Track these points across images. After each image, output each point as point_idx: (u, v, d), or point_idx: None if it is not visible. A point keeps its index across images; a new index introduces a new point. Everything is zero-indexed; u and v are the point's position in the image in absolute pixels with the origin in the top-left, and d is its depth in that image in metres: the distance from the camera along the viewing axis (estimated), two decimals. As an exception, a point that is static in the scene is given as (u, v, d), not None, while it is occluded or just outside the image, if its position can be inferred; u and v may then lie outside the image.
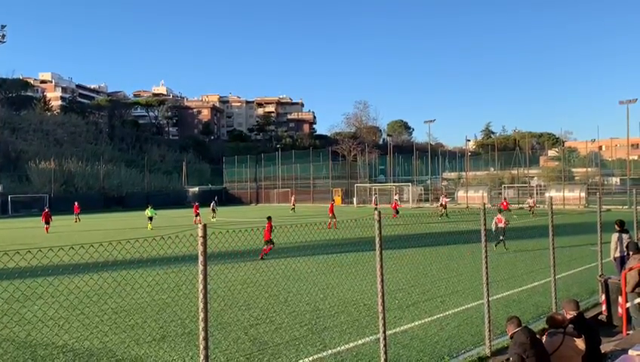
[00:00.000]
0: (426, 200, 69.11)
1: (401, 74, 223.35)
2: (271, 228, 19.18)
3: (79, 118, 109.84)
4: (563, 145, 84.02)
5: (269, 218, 19.84)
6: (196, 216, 38.30)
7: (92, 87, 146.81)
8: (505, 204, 39.19)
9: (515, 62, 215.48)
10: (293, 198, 62.62)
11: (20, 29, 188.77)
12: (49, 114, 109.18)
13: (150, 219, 34.22)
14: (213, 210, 43.10)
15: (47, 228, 32.67)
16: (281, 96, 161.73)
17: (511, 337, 5.58)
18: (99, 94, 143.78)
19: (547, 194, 57.21)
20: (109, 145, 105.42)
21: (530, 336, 5.32)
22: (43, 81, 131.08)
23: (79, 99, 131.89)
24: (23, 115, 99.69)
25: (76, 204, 47.95)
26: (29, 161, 79.69)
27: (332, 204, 36.05)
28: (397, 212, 38.47)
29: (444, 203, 40.47)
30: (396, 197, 56.85)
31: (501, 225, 20.36)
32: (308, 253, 18.23)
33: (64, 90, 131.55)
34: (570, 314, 6.29)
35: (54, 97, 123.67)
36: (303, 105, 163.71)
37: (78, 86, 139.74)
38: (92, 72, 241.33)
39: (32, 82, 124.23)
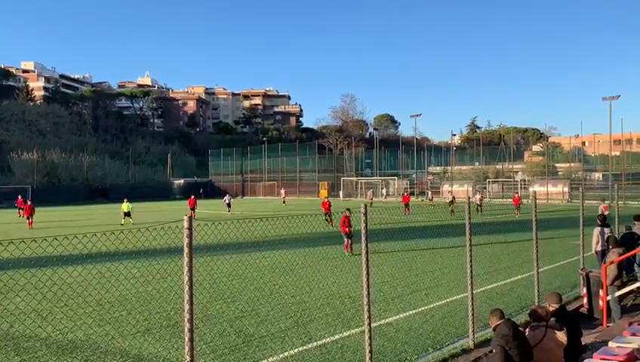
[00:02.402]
0: (412, 193, 69.48)
1: (388, 68, 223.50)
2: (348, 221, 18.11)
3: (63, 108, 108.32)
4: (547, 141, 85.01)
5: (348, 210, 18.96)
6: (192, 210, 35.70)
7: (76, 77, 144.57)
8: (406, 197, 39.70)
9: (501, 57, 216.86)
10: (283, 192, 62.64)
11: (0, 18, 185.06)
12: (31, 104, 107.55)
13: (127, 214, 31.54)
14: (229, 205, 40.64)
15: (30, 223, 30.07)
16: (267, 89, 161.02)
17: (494, 329, 5.65)
18: (83, 85, 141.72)
19: (531, 189, 57.88)
20: (93, 137, 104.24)
21: (513, 329, 5.40)
22: (25, 71, 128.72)
23: (63, 90, 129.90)
24: (5, 105, 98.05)
25: (20, 197, 43.85)
26: (11, 152, 78.48)
27: (325, 202, 32.66)
28: (407, 206, 35.80)
29: (431, 196, 40.94)
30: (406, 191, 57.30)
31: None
32: (293, 245, 18.25)
33: (47, 80, 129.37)
34: (552, 307, 6.39)
35: (37, 87, 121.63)
36: (289, 98, 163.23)
37: (62, 76, 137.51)
38: (76, 62, 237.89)
39: (13, 71, 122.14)
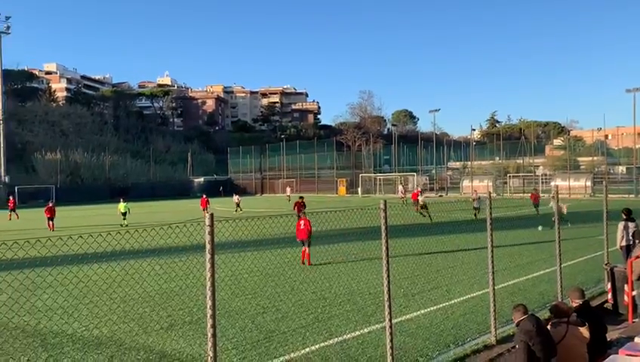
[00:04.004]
0: (431, 189, 69.07)
1: (406, 63, 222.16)
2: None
3: (84, 109, 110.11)
4: (568, 134, 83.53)
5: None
6: (204, 210, 35.17)
7: (97, 77, 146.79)
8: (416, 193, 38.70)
9: (520, 51, 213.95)
10: (289, 189, 62.65)
11: (24, 20, 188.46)
12: (54, 105, 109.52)
13: (124, 215, 30.24)
14: (238, 204, 40.07)
15: (50, 226, 28.90)
16: (285, 87, 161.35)
17: (517, 325, 5.60)
18: (104, 85, 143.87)
19: (552, 183, 57.11)
20: (115, 136, 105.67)
21: (537, 324, 5.34)
22: (48, 72, 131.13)
23: (84, 90, 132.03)
24: (29, 106, 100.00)
25: (11, 198, 42.36)
26: (35, 153, 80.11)
27: (416, 193, 33.81)
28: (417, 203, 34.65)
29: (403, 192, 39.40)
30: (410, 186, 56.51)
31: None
32: (313, 242, 18.30)
33: (69, 81, 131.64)
34: (575, 303, 6.32)
35: (59, 88, 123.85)
36: (307, 95, 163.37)
37: (83, 77, 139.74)
38: (97, 63, 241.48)
39: (37, 73, 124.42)
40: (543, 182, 61.71)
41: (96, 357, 7.57)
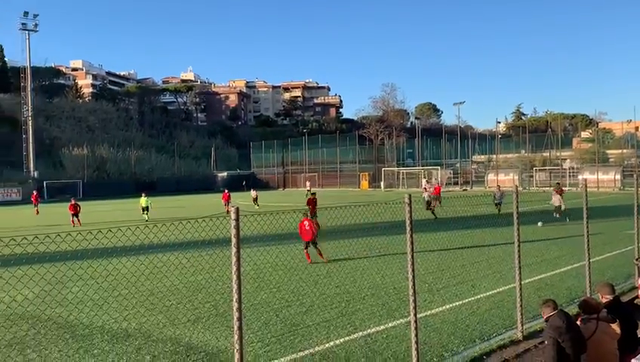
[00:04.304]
0: (456, 183, 68.38)
1: (430, 55, 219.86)
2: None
3: (110, 104, 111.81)
4: (597, 127, 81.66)
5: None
6: (226, 204, 34.35)
7: (122, 74, 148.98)
8: (437, 188, 37.44)
9: (547, 41, 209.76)
10: (309, 184, 62.50)
11: (50, 17, 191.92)
12: (81, 101, 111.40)
13: (145, 209, 30.17)
14: (255, 199, 38.87)
15: (74, 221, 28.50)
16: (307, 81, 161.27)
17: (546, 320, 5.51)
18: (129, 81, 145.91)
19: (580, 177, 55.96)
20: (140, 132, 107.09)
21: (567, 320, 5.24)
22: (74, 69, 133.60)
23: (110, 86, 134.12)
24: (56, 102, 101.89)
25: (35, 193, 43.36)
26: (63, 148, 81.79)
27: (438, 187, 34.60)
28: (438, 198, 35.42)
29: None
30: (433, 180, 55.76)
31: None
32: (336, 236, 18.31)
33: (95, 77, 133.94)
34: (605, 299, 6.19)
35: (85, 85, 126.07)
36: (329, 89, 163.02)
37: (108, 73, 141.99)
38: (121, 60, 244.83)
39: (63, 70, 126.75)
40: (570, 176, 60.51)
41: (124, 349, 7.73)
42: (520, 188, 16.32)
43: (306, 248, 15.10)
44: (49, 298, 10.16)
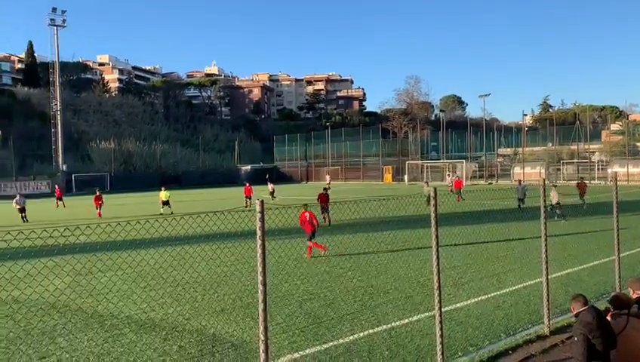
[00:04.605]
0: (481, 176, 67.55)
1: (454, 47, 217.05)
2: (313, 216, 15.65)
3: (136, 98, 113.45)
4: (627, 119, 79.56)
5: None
6: (248, 198, 34.13)
7: (147, 68, 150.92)
8: (458, 182, 36.95)
9: (575, 31, 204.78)
10: (328, 177, 62.06)
11: (77, 13, 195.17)
12: (107, 95, 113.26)
13: (165, 203, 30.20)
14: (272, 193, 38.91)
15: (99, 214, 29.06)
16: (330, 73, 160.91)
17: (576, 316, 5.40)
18: (154, 75, 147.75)
19: (610, 170, 54.71)
20: (165, 126, 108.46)
21: (597, 316, 5.13)
22: (101, 64, 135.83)
23: (135, 81, 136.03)
24: (84, 96, 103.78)
25: (57, 187, 43.46)
26: (90, 142, 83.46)
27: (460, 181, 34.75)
28: (459, 192, 34.40)
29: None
30: (457, 173, 55.02)
31: None
32: (359, 230, 18.30)
33: (121, 71, 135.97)
34: (636, 294, 6.05)
35: (112, 79, 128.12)
36: (352, 81, 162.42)
37: (134, 68, 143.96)
38: (147, 54, 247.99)
39: (90, 65, 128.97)
40: (598, 169, 59.19)
41: (151, 339, 7.87)
42: (547, 182, 16.03)
43: (310, 240, 14.89)
44: (79, 288, 10.42)
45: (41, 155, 75.40)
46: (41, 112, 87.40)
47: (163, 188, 31.25)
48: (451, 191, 36.07)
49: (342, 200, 25.85)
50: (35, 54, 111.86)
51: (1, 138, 73.81)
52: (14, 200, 29.02)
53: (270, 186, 40.20)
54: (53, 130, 73.77)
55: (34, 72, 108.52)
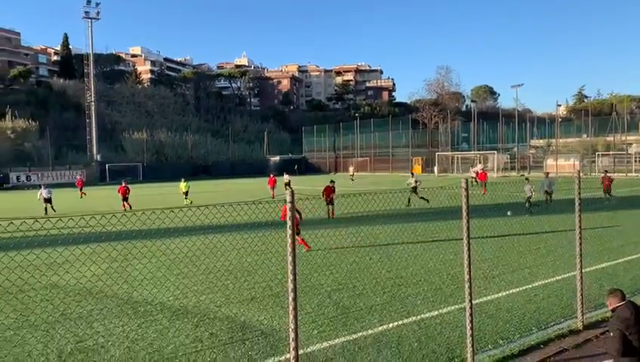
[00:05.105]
0: (512, 168, 66.38)
1: (486, 36, 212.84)
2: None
3: (167, 90, 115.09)
4: (667, 109, 76.87)
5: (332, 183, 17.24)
6: (272, 188, 34.00)
7: (178, 60, 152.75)
8: (483, 174, 35.81)
9: (612, 19, 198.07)
10: (351, 169, 61.39)
11: (109, 5, 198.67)
12: (140, 87, 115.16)
13: (186, 194, 30.31)
14: (288, 184, 37.04)
15: (125, 205, 27.60)
16: (359, 64, 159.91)
17: (612, 311, 5.29)
18: (185, 67, 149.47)
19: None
20: (196, 117, 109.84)
21: (635, 312, 5.01)
22: (133, 55, 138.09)
23: (167, 72, 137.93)
24: (117, 88, 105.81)
25: (79, 178, 44.40)
26: (123, 132, 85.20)
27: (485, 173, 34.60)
28: (484, 185, 33.67)
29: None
30: (482, 166, 53.96)
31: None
32: (388, 221, 18.26)
33: (153, 63, 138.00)
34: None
35: (144, 70, 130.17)
36: (382, 72, 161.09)
37: (166, 59, 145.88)
38: (178, 46, 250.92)
39: (123, 56, 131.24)
40: (636, 161, 57.39)
41: (183, 325, 8.05)
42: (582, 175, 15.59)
43: (298, 234, 14.19)
44: (115, 274, 10.72)
45: (76, 145, 77.40)
46: (76, 103, 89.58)
47: (182, 180, 31.53)
48: (474, 183, 35.62)
49: (354, 192, 25.78)
50: (70, 46, 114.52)
51: (38, 129, 76.04)
52: (39, 192, 28.30)
53: (286, 177, 39.52)
54: (87, 120, 75.59)
55: (69, 63, 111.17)
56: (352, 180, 53.29)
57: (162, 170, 75.16)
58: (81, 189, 39.72)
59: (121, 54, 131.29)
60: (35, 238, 8.27)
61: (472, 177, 38.30)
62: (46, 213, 26.88)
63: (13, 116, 77.69)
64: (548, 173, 28.03)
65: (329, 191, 21.83)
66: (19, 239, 8.25)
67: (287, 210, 5.23)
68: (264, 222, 13.51)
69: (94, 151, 74.65)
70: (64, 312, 8.83)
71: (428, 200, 24.66)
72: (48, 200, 27.64)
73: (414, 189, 25.57)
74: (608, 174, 27.18)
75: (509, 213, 19.77)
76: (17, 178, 63.31)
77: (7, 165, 65.08)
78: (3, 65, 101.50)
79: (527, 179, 23.38)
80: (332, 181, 22.56)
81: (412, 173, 30.34)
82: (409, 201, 25.17)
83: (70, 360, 6.72)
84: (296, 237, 14.05)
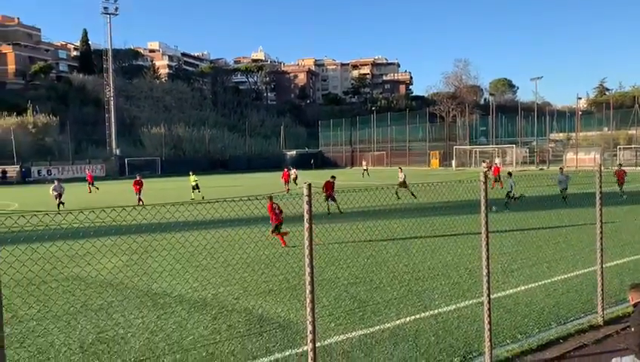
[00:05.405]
0: (531, 162, 65.55)
1: (505, 29, 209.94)
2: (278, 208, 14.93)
3: (185, 84, 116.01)
4: (692, 102, 75.00)
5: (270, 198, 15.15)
6: (286, 183, 33.72)
7: (196, 54, 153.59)
8: (497, 168, 35.29)
9: (635, 10, 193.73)
10: (364, 163, 60.72)
11: (128, 0, 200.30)
12: (157, 81, 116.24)
13: (195, 187, 30.23)
14: (294, 179, 36.84)
15: (138, 200, 27.25)
16: (376, 57, 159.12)
17: (634, 306, 5.22)
18: (202, 62, 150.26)
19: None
20: (213, 111, 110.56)
21: (658, 307, 4.94)
22: (151, 50, 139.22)
23: (184, 67, 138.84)
24: (135, 83, 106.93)
25: (88, 172, 44.95)
26: (142, 127, 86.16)
27: (497, 167, 34.45)
28: (498, 180, 32.89)
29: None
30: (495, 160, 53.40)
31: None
32: (405, 215, 18.21)
33: (170, 58, 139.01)
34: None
35: (162, 65, 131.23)
36: (399, 65, 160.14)
37: (183, 54, 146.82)
38: (195, 40, 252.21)
39: (141, 52, 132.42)
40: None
41: (202, 317, 8.14)
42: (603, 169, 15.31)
43: (274, 231, 14.32)
44: (135, 266, 10.88)
45: (96, 140, 78.48)
46: (95, 98, 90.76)
47: (191, 173, 31.33)
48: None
49: (366, 186, 25.73)
50: (90, 42, 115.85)
51: (58, 123, 77.23)
52: (51, 188, 27.26)
53: (293, 172, 39.02)
54: (107, 115, 76.55)
55: (88, 59, 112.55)
56: (367, 174, 53.00)
57: (180, 164, 75.77)
58: (91, 184, 39.59)
59: (139, 49, 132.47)
60: (56, 231, 8.43)
61: (484, 172, 37.80)
62: (59, 208, 25.64)
63: (34, 111, 79.02)
64: (562, 168, 27.13)
65: (329, 186, 21.54)
66: (41, 231, 8.41)
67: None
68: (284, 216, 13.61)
69: (113, 146, 75.60)
70: (85, 303, 9.00)
71: (416, 196, 24.67)
72: (59, 196, 26.47)
73: (403, 184, 25.90)
74: (623, 169, 26.19)
75: (493, 208, 19.57)
76: (39, 172, 64.46)
77: (29, 160, 66.27)
78: (24, 61, 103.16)
79: (509, 173, 23.05)
80: (333, 176, 22.37)
81: (400, 168, 30.31)
82: (397, 195, 25.76)
83: (91, 351, 6.85)
84: (275, 234, 14.15)
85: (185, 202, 6.42)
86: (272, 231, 14.46)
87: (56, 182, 27.40)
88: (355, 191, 7.87)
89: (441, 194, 24.62)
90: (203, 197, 28.84)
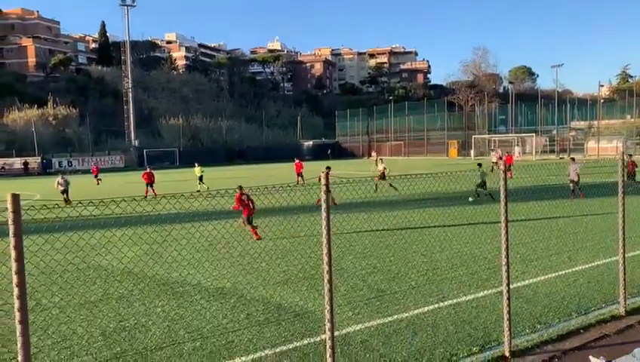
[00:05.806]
0: (552, 151, 64.62)
1: (524, 15, 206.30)
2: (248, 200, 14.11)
3: (202, 75, 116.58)
4: None
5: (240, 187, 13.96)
6: (299, 175, 32.37)
7: (212, 45, 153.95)
8: (509, 157, 34.65)
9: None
10: (374, 153, 60.02)
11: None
12: (175, 73, 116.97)
13: (200, 178, 29.97)
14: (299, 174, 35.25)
15: (147, 191, 26.68)
16: (393, 46, 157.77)
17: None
18: (219, 52, 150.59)
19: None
20: (230, 102, 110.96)
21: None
22: (169, 42, 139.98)
23: (201, 58, 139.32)
24: (153, 74, 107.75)
25: (93, 165, 44.73)
26: (160, 118, 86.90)
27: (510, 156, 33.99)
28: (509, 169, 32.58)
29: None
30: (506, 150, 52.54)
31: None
32: (423, 205, 18.11)
33: (187, 49, 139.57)
34: None
35: (179, 57, 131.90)
36: (416, 54, 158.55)
37: (200, 45, 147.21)
38: (212, 31, 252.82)
39: (159, 43, 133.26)
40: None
41: (220, 306, 8.21)
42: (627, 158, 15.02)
43: (245, 223, 13.77)
44: (155, 255, 11.01)
45: (114, 131, 79.41)
46: (114, 90, 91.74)
47: (196, 165, 31.04)
48: (494, 168, 34.71)
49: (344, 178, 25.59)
50: (108, 34, 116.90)
51: (78, 115, 78.28)
52: (57, 181, 26.06)
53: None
54: (125, 106, 77.33)
55: (107, 51, 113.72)
56: (376, 165, 52.44)
57: (198, 154, 75.94)
58: (96, 176, 39.26)
59: (156, 41, 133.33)
60: (78, 220, 8.58)
61: (493, 162, 37.45)
62: (66, 202, 23.90)
63: (54, 103, 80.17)
64: (574, 158, 25.32)
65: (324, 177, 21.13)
66: (63, 220, 8.56)
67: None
68: (298, 206, 13.62)
69: (132, 137, 76.45)
70: (106, 292, 9.15)
71: (397, 188, 23.66)
72: (65, 191, 25.33)
73: (382, 176, 24.95)
74: (633, 160, 24.97)
75: (470, 199, 19.28)
76: (59, 163, 65.49)
77: (50, 151, 67.36)
78: (44, 53, 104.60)
79: (479, 164, 21.81)
80: (328, 167, 22.07)
81: (381, 159, 29.66)
82: (376, 188, 24.73)
83: (113, 338, 6.97)
84: (248, 226, 13.65)
85: (194, 193, 6.47)
86: (244, 223, 13.85)
87: (60, 176, 26.43)
88: (349, 183, 7.83)
89: (460, 184, 24.45)
90: (207, 188, 28.97)
